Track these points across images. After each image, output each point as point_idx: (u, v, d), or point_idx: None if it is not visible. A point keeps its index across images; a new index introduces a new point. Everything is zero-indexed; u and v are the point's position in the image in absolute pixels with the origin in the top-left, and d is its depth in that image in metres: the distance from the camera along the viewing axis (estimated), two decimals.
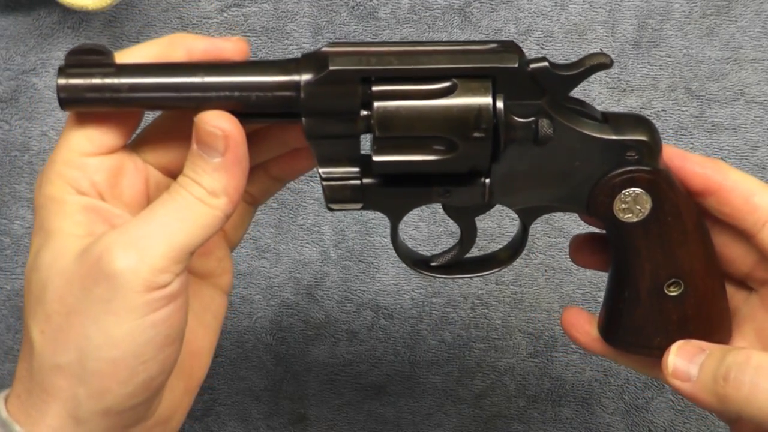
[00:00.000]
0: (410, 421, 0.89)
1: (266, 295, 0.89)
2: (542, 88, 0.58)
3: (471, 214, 0.64)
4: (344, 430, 0.89)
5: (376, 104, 0.57)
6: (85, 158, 0.58)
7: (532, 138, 0.59)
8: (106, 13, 0.88)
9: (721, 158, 0.86)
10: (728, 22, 0.86)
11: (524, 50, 0.86)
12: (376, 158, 0.58)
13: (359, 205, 0.61)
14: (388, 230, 0.88)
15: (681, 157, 0.61)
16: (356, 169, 0.60)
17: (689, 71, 0.86)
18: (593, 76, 0.86)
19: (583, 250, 0.66)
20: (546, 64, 0.58)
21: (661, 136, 0.86)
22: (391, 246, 0.88)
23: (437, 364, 0.88)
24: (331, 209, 0.61)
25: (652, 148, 0.60)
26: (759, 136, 0.86)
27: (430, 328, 0.88)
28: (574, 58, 0.88)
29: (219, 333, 0.65)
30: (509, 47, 0.58)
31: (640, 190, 0.60)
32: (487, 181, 0.61)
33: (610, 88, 0.87)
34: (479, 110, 0.57)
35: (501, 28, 0.87)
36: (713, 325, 0.62)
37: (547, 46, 0.87)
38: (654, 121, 0.87)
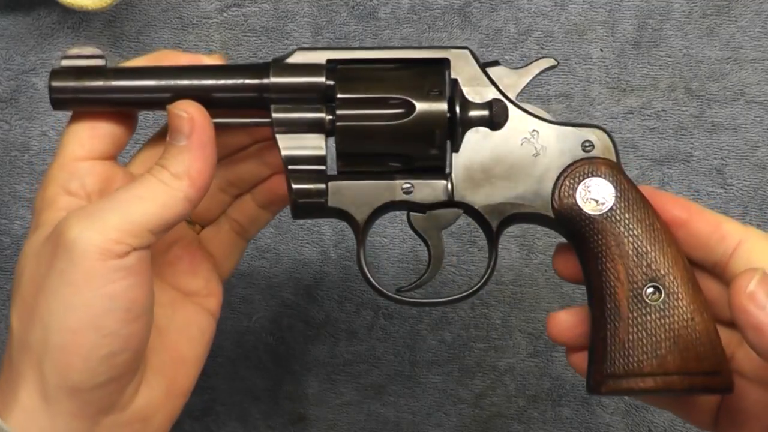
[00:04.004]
0: (410, 421, 0.89)
1: (266, 295, 0.89)
2: (493, 80, 0.63)
3: (437, 228, 0.65)
4: (344, 430, 0.89)
5: (339, 66, 0.62)
6: (77, 162, 0.62)
7: (488, 120, 0.62)
8: (106, 13, 0.88)
9: (721, 158, 0.86)
10: (728, 22, 0.86)
11: (524, 50, 0.86)
12: (339, 112, 0.61)
13: (323, 200, 0.63)
14: (388, 230, 0.88)
15: (650, 193, 0.63)
16: (322, 166, 0.63)
17: (689, 71, 0.86)
18: (593, 76, 0.87)
19: (567, 258, 0.65)
20: (496, 60, 0.64)
21: (662, 136, 0.87)
22: (390, 245, 0.88)
23: (437, 364, 0.88)
24: (296, 207, 0.63)
25: (607, 140, 0.63)
26: (759, 136, 0.86)
27: (430, 328, 0.88)
28: (574, 58, 0.88)
29: (206, 349, 0.67)
30: (462, 46, 0.64)
31: (600, 179, 0.62)
32: (450, 173, 0.63)
33: (610, 88, 0.87)
34: (434, 75, 0.62)
35: (501, 28, 0.87)
36: (706, 348, 0.61)
37: (547, 46, 0.87)
38: (654, 121, 0.87)
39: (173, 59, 0.63)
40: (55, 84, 0.62)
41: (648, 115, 0.86)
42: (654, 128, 0.86)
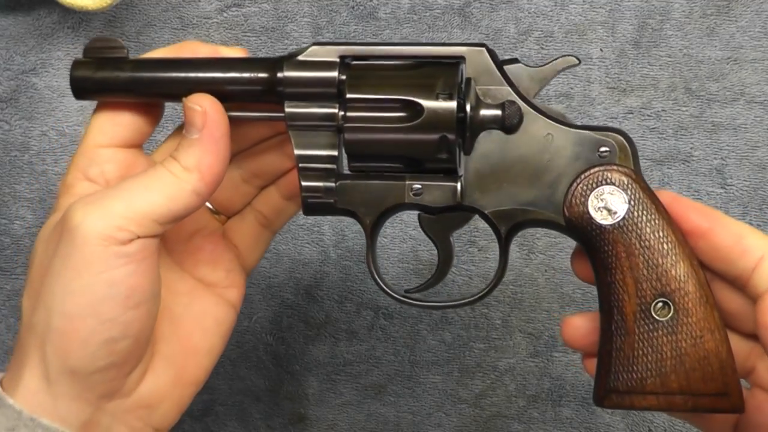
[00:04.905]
0: (410, 421, 0.89)
1: (266, 295, 0.89)
2: (510, 79, 0.61)
3: (447, 230, 0.64)
4: (344, 430, 0.89)
5: (352, 63, 0.62)
6: (98, 149, 0.62)
7: (501, 123, 0.61)
8: (106, 13, 0.88)
9: (721, 158, 0.86)
10: (728, 22, 0.86)
11: (524, 50, 0.86)
12: (348, 113, 0.61)
13: (332, 200, 0.62)
14: (389, 230, 0.88)
15: (672, 199, 0.61)
16: (333, 165, 0.62)
17: (689, 71, 0.86)
18: (593, 76, 0.87)
19: (585, 260, 0.64)
20: (515, 57, 0.62)
21: (661, 136, 0.86)
22: (390, 245, 0.88)
23: (437, 364, 0.88)
24: (306, 205, 0.63)
25: (625, 146, 0.61)
26: (759, 136, 0.86)
27: (430, 328, 0.88)
28: None
29: (223, 340, 0.67)
30: (479, 43, 0.62)
31: (614, 187, 0.61)
32: (460, 176, 0.62)
33: (610, 88, 0.87)
34: (446, 75, 0.60)
35: (501, 28, 0.87)
36: (714, 368, 0.59)
37: (547, 46, 0.87)
38: (654, 121, 0.87)
39: (194, 50, 0.64)
40: (76, 74, 0.63)
41: (648, 115, 0.86)
42: (654, 128, 0.86)
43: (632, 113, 0.87)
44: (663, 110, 0.87)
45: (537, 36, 0.87)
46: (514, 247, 0.87)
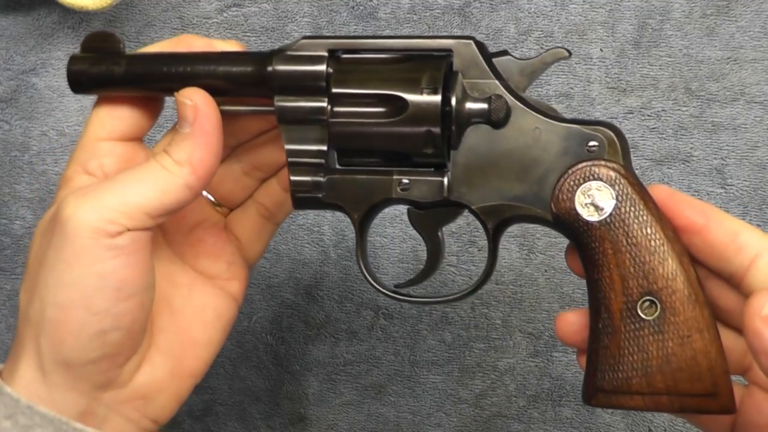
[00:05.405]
0: (410, 421, 0.89)
1: (266, 295, 0.89)
2: (499, 72, 0.61)
3: (436, 225, 0.64)
4: (344, 430, 0.89)
5: (341, 57, 0.62)
6: (97, 142, 0.63)
7: (487, 117, 0.60)
8: (106, 13, 0.88)
9: (721, 158, 0.86)
10: (728, 22, 0.86)
11: (524, 50, 0.86)
12: (334, 108, 0.61)
13: (320, 195, 0.62)
14: (388, 230, 0.88)
15: (668, 194, 0.60)
16: (321, 160, 0.62)
17: (689, 71, 0.86)
18: (593, 76, 0.87)
19: (578, 256, 0.64)
20: (505, 50, 0.62)
21: (662, 136, 0.86)
22: (390, 245, 0.88)
23: (437, 364, 0.88)
24: (295, 200, 0.63)
25: (614, 141, 0.60)
26: (759, 136, 0.86)
27: (430, 328, 0.88)
28: (574, 58, 0.88)
29: (223, 332, 0.67)
30: (467, 36, 0.62)
31: (601, 183, 0.60)
32: (447, 171, 0.61)
33: (610, 88, 0.87)
34: (432, 69, 0.60)
35: (501, 28, 0.87)
36: (702, 369, 0.58)
37: (547, 46, 0.87)
38: (654, 121, 0.87)
39: (191, 44, 0.64)
40: (72, 68, 0.64)
41: (648, 115, 0.86)
42: (654, 128, 0.86)
43: (632, 113, 0.87)
44: (663, 110, 0.87)
45: (537, 36, 0.87)
46: (514, 247, 0.87)
